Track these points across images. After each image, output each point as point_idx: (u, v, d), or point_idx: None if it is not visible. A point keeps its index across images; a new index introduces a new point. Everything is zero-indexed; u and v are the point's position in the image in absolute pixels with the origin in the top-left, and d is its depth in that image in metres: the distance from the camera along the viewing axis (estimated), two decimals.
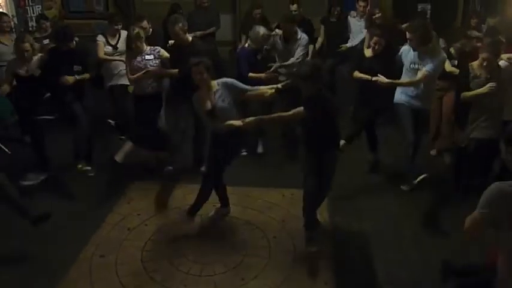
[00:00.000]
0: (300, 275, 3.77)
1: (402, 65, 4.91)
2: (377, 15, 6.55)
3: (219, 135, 4.03)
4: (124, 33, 5.78)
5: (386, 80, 4.65)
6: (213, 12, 7.37)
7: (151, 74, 5.02)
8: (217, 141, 4.09)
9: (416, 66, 4.71)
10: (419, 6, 7.98)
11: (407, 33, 4.72)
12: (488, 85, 4.29)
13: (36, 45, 5.23)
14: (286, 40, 5.74)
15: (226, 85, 4.05)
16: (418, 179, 4.99)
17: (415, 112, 4.86)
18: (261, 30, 5.49)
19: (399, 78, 4.89)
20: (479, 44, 5.54)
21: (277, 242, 4.14)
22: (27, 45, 4.94)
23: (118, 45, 5.97)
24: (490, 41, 4.46)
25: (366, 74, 4.89)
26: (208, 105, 3.96)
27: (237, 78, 4.35)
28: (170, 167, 5.24)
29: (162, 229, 4.36)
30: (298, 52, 5.68)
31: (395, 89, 4.96)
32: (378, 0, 8.31)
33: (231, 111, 4.00)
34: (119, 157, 5.11)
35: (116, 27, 5.98)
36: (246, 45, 5.67)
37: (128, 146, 5.18)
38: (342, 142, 5.07)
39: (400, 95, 4.93)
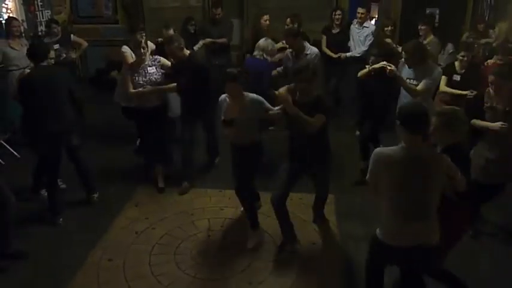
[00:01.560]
0: (308, 279, 3.75)
1: None
2: (389, 29, 6.55)
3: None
4: (150, 45, 5.54)
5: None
6: (226, 25, 7.24)
7: (154, 91, 4.82)
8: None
9: (413, 81, 4.60)
10: (428, 11, 7.96)
11: (403, 53, 4.66)
12: (499, 123, 3.83)
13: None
14: (296, 56, 5.60)
15: (256, 102, 4.00)
16: None
17: None
18: (264, 43, 5.38)
19: (398, 95, 4.79)
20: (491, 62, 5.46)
21: (272, 239, 4.15)
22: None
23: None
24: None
25: (366, 92, 4.91)
26: (232, 114, 3.95)
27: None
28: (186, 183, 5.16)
29: (169, 233, 4.37)
30: None
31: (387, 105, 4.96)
32: (388, 6, 8.32)
33: (252, 127, 4.03)
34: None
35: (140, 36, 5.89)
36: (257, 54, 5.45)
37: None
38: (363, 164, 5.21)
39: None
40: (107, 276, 3.79)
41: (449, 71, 5.21)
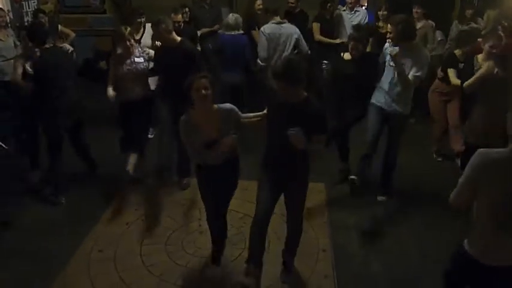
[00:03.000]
0: (299, 269, 3.77)
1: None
2: (383, 12, 6.57)
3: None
4: (149, 27, 5.53)
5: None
6: (216, 8, 7.27)
7: None
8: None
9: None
10: None
11: (388, 25, 4.52)
12: (486, 64, 4.20)
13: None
14: None
15: (228, 112, 3.40)
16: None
17: (387, 115, 4.52)
18: (232, 18, 5.63)
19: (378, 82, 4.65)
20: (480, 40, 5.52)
21: (277, 236, 4.14)
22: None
23: (142, 40, 5.69)
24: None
25: (344, 77, 4.67)
26: (211, 133, 3.29)
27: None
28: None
29: (159, 223, 4.36)
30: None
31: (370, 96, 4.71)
32: None
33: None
34: (130, 169, 4.98)
35: (139, 20, 5.77)
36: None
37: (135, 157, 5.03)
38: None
39: (375, 96, 4.62)
40: (97, 267, 3.78)
41: (453, 61, 5.12)
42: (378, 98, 4.58)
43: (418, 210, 4.60)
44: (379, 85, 4.58)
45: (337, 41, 6.86)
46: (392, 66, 4.35)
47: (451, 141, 5.57)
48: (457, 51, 5.15)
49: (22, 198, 4.76)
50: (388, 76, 4.47)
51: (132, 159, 4.92)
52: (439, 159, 5.71)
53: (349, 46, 4.67)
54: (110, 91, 4.65)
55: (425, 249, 4.00)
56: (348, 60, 4.74)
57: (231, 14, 5.62)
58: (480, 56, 4.44)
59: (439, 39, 6.43)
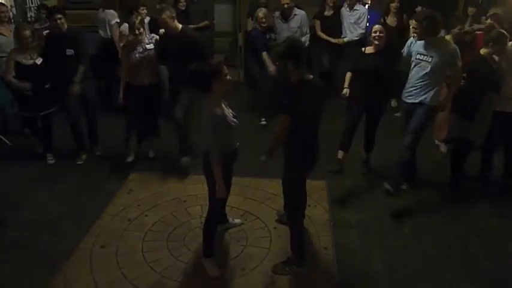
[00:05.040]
0: None
1: (408, 57, 4.66)
2: (394, 4, 6.60)
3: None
4: (146, 20, 5.79)
5: None
6: (205, 4, 7.27)
7: None
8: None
9: (423, 57, 4.40)
10: None
11: (413, 21, 4.58)
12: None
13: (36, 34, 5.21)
14: (285, 18, 6.29)
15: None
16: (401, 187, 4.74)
17: (415, 107, 4.53)
18: (263, 10, 6.10)
19: (399, 75, 4.77)
20: (478, 32, 5.64)
21: (278, 233, 4.15)
22: (27, 32, 4.94)
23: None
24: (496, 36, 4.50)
25: (365, 70, 4.77)
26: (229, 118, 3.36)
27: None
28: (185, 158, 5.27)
29: (162, 219, 4.37)
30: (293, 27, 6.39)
31: (388, 88, 4.87)
32: None
33: None
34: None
35: (142, 11, 5.85)
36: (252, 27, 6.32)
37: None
38: (340, 153, 5.19)
39: (404, 95, 4.66)
40: (99, 263, 3.79)
41: None
42: (407, 95, 4.61)
43: (419, 208, 4.59)
44: (407, 82, 4.61)
45: (334, 40, 7.06)
46: (418, 59, 4.40)
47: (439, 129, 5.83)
48: (448, 36, 5.33)
49: (24, 192, 4.79)
50: (417, 72, 4.47)
51: (132, 142, 5.45)
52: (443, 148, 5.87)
53: (375, 36, 4.75)
54: (124, 76, 5.07)
55: (426, 248, 4.01)
56: (369, 54, 4.85)
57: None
58: (482, 51, 4.56)
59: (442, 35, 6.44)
